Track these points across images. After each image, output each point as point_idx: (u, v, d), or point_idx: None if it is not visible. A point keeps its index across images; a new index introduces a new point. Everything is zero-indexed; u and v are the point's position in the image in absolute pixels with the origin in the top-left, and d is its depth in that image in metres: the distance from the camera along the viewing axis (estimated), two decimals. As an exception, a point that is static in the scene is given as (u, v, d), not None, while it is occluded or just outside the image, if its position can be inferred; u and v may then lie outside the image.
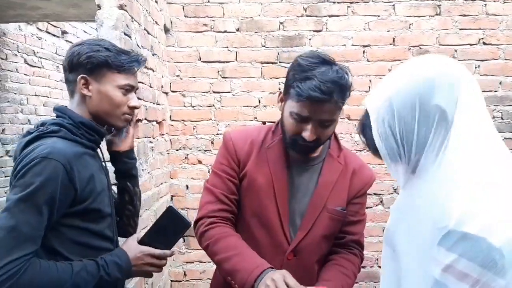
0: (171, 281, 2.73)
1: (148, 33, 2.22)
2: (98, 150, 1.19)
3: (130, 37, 1.91)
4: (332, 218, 1.23)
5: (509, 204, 0.64)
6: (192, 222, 1.19)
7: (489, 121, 0.74)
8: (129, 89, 1.15)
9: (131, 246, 1.13)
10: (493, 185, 0.66)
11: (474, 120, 0.71)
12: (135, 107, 1.17)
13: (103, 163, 1.20)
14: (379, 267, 2.68)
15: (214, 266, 1.31)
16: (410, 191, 0.78)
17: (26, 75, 3.57)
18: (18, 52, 3.47)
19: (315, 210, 1.22)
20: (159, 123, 2.43)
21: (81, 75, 1.11)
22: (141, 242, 1.14)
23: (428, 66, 0.75)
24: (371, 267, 2.68)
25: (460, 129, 0.70)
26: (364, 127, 0.83)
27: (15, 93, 3.42)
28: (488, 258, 0.61)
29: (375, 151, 0.81)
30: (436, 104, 0.71)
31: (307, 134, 1.12)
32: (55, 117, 1.13)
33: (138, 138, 2.02)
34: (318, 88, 1.07)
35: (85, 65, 1.10)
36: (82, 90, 1.11)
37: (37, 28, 3.70)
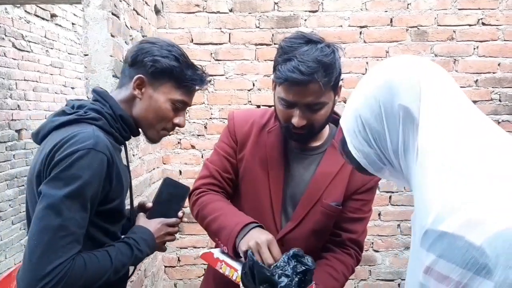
0: (165, 266, 2.71)
1: (138, 13, 2.15)
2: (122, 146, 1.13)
3: (118, 17, 1.84)
4: (325, 213, 1.16)
5: (496, 193, 0.58)
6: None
7: (469, 109, 0.68)
8: (181, 107, 1.09)
9: (146, 222, 1.11)
10: (477, 174, 0.60)
11: (443, 115, 0.67)
12: (178, 125, 1.10)
13: (127, 161, 1.14)
14: (375, 251, 2.67)
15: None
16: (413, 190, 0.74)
17: (14, 59, 3.48)
18: (6, 35, 3.36)
19: (308, 202, 1.16)
20: (150, 107, 2.37)
21: (140, 75, 1.04)
22: (150, 217, 1.13)
23: (387, 68, 0.73)
24: (366, 250, 2.67)
25: (428, 124, 0.66)
26: (343, 144, 0.81)
27: (3, 78, 3.34)
28: (468, 257, 0.55)
29: (358, 166, 0.79)
30: (399, 104, 0.69)
31: (295, 120, 1.06)
32: (92, 101, 1.05)
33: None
34: (296, 68, 1.00)
35: (148, 66, 1.03)
36: (134, 90, 1.05)
37: (25, 11, 3.59)
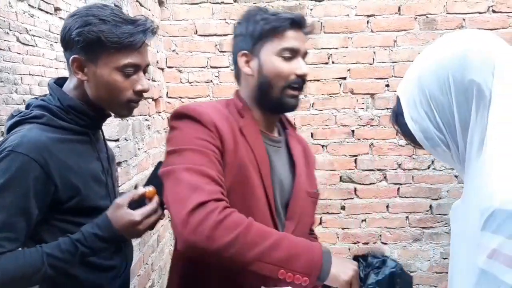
0: (173, 260, 2.71)
1: (141, 5, 2.12)
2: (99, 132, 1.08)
3: (121, 8, 1.81)
4: (314, 203, 1.13)
5: None
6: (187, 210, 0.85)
7: None
8: (132, 71, 0.97)
9: (112, 212, 0.97)
10: None
11: None
12: (142, 91, 1.00)
13: (105, 147, 1.09)
14: (383, 243, 2.65)
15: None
16: (468, 174, 0.70)
17: (19, 54, 3.48)
18: (10, 30, 3.36)
19: (300, 196, 1.07)
20: (155, 100, 2.35)
21: (74, 55, 0.95)
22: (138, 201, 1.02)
23: (457, 41, 0.69)
24: (374, 243, 2.65)
25: (501, 102, 0.62)
26: (397, 115, 0.76)
27: (8, 73, 3.33)
28: None
29: (412, 140, 0.74)
30: (471, 79, 0.64)
31: (302, 69, 1.02)
32: (46, 95, 1.02)
33: (133, 116, 1.95)
34: (292, 13, 1.02)
35: (77, 43, 0.93)
36: (77, 74, 0.96)
37: (29, 5, 3.57)
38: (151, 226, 0.99)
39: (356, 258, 0.96)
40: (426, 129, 0.70)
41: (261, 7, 1.07)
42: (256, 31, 1.02)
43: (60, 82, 1.03)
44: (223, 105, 1.07)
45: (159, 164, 1.03)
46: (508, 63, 0.65)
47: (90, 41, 0.93)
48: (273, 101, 1.04)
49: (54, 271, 0.92)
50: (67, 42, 0.96)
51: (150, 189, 1.01)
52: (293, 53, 1.02)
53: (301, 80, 1.03)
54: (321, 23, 2.50)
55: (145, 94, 2.16)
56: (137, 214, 0.96)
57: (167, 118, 2.60)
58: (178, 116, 1.00)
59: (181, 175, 0.88)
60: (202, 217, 0.82)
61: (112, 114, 1.08)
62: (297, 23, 1.02)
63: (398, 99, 0.75)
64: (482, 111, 0.64)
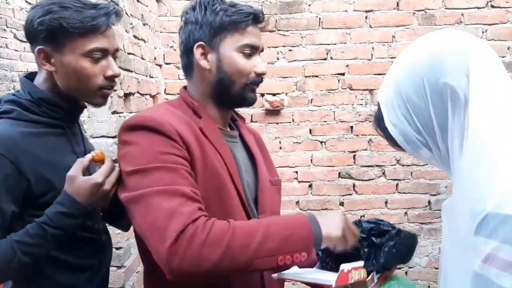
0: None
1: (138, 1, 2.11)
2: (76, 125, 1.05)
3: (117, 4, 1.80)
4: (278, 190, 1.11)
5: None
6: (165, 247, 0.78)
7: None
8: (100, 55, 0.94)
9: (69, 186, 0.91)
10: None
11: (494, 92, 0.63)
12: (113, 76, 0.96)
13: (82, 141, 1.06)
14: (382, 239, 2.65)
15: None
16: (454, 175, 0.70)
17: (16, 51, 3.46)
18: (7, 27, 3.34)
19: (265, 188, 1.05)
20: (153, 96, 2.34)
21: (39, 46, 0.93)
22: None
23: (433, 42, 0.69)
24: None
25: (479, 105, 0.62)
26: (379, 120, 0.76)
27: (6, 70, 3.32)
28: None
29: (395, 144, 0.75)
30: (444, 82, 0.64)
31: (261, 67, 0.98)
32: (14, 92, 1.00)
33: (130, 113, 1.95)
34: (251, 7, 0.97)
35: (40, 33, 0.91)
36: (44, 66, 0.94)
37: (26, 1, 3.55)
38: (115, 185, 0.92)
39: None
40: (406, 132, 0.70)
41: None
42: (215, 22, 0.95)
43: (32, 76, 1.01)
44: (175, 106, 0.99)
45: None
46: (481, 63, 0.65)
47: (52, 30, 0.91)
48: (233, 97, 1.00)
49: (29, 257, 0.89)
50: (30, 34, 0.94)
51: (97, 152, 0.97)
52: (253, 50, 0.98)
53: (261, 79, 1.01)
54: (319, 18, 2.49)
55: (141, 91, 2.16)
56: (97, 176, 0.90)
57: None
58: (132, 127, 0.89)
59: (153, 201, 0.81)
60: (186, 244, 0.77)
61: (88, 106, 1.06)
62: (258, 19, 0.98)
63: (378, 104, 0.75)
64: (459, 112, 0.64)
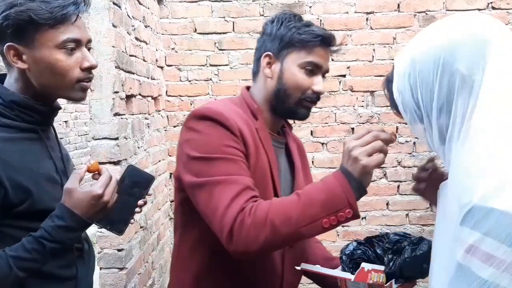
0: (173, 258, 2.71)
1: (140, 3, 2.12)
2: (51, 129, 1.00)
3: (119, 6, 1.81)
4: None
5: None
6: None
7: None
8: (74, 46, 0.89)
9: (74, 199, 0.88)
10: None
11: (509, 86, 0.64)
12: (90, 68, 0.92)
13: (58, 145, 1.02)
14: (383, 241, 2.65)
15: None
16: (450, 158, 0.71)
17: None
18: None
19: None
20: (154, 98, 2.35)
21: (7, 44, 0.86)
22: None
23: (457, 26, 0.70)
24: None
25: (489, 96, 0.63)
26: (388, 82, 0.79)
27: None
28: None
29: (397, 109, 0.77)
30: (457, 69, 0.66)
31: (319, 86, 1.04)
32: None
33: (132, 115, 1.95)
34: (324, 30, 1.04)
35: (6, 29, 0.85)
36: (15, 64, 0.88)
37: None
38: (113, 197, 0.91)
39: (369, 239, 1.06)
40: (407, 103, 0.73)
41: (296, 13, 1.09)
42: (285, 37, 1.03)
43: (1, 78, 0.95)
44: (236, 104, 1.08)
45: (130, 167, 1.00)
46: (501, 55, 0.65)
47: (20, 23, 0.85)
48: (286, 109, 1.07)
49: (25, 273, 0.86)
50: None
51: (92, 162, 0.96)
52: (316, 69, 1.04)
53: (316, 96, 1.06)
54: (320, 20, 2.49)
55: (143, 93, 2.17)
56: (96, 188, 0.88)
57: (167, 116, 2.60)
58: (199, 117, 0.99)
59: (215, 190, 0.91)
60: (237, 231, 0.87)
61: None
62: (326, 41, 1.04)
63: (393, 66, 0.78)
64: (463, 100, 0.66)
